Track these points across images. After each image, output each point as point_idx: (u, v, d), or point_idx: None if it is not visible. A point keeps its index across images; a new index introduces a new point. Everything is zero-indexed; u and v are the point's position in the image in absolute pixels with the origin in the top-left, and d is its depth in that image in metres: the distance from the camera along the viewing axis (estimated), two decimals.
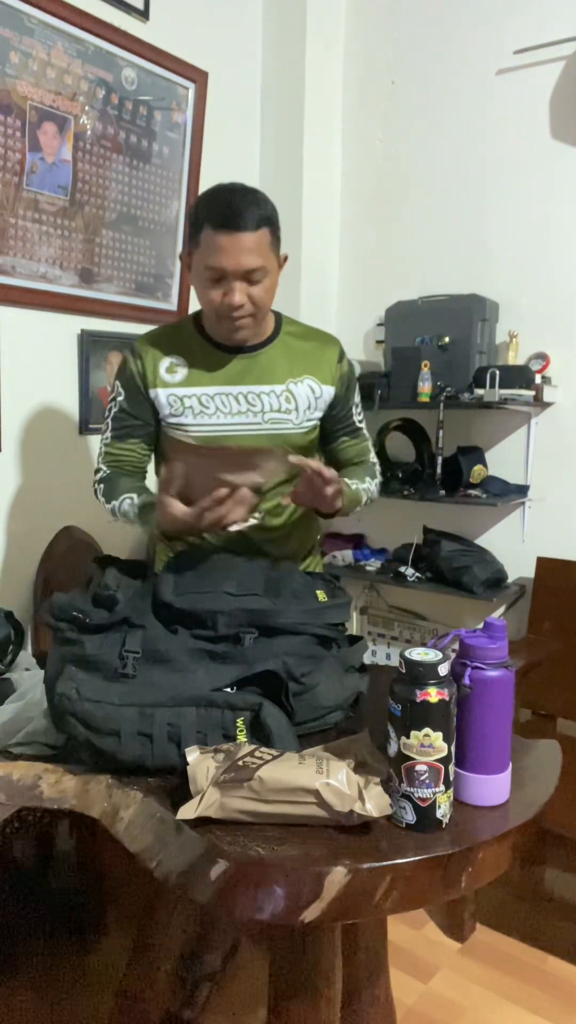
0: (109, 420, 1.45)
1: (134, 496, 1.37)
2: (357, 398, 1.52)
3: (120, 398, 1.42)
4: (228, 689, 1.05)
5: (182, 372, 1.40)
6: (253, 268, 1.26)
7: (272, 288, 1.33)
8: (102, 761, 1.02)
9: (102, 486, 1.43)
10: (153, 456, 1.50)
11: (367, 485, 1.48)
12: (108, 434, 1.45)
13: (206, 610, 1.11)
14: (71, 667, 1.05)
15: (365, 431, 1.55)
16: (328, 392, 1.44)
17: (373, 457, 1.57)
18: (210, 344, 1.40)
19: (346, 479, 1.39)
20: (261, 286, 1.29)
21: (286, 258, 1.37)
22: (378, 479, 1.54)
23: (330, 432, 1.50)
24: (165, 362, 1.40)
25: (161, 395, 1.39)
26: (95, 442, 1.79)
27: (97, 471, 1.47)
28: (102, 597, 1.13)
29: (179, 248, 2.34)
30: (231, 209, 1.24)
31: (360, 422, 1.54)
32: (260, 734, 1.00)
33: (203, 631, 1.11)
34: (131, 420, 1.43)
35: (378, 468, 1.57)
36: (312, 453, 1.49)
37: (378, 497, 1.54)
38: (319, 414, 1.46)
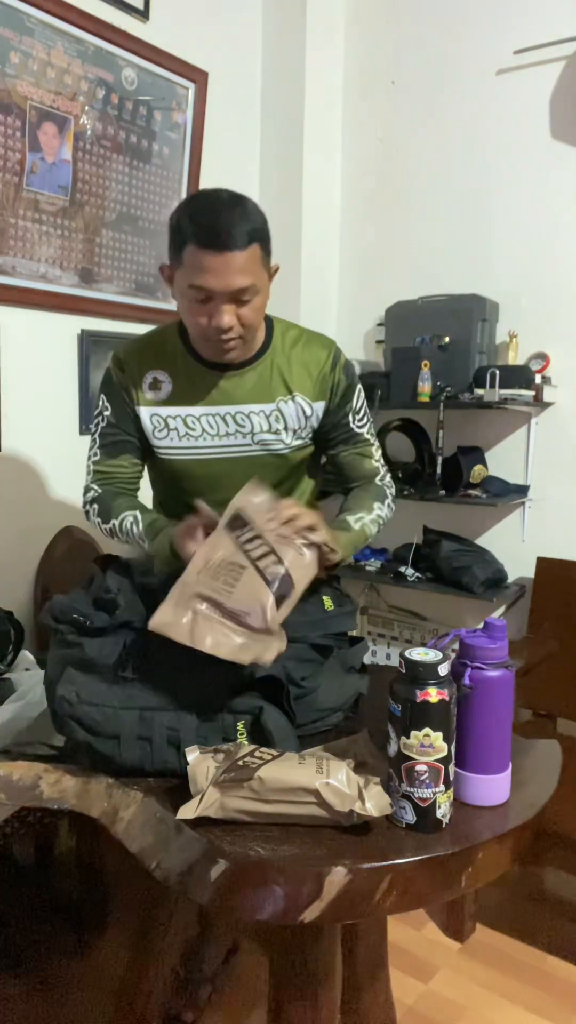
0: (96, 436, 1.36)
1: (137, 513, 1.29)
2: (358, 404, 1.39)
3: (107, 412, 1.34)
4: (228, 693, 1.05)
5: (166, 388, 1.32)
6: (244, 288, 1.15)
7: (263, 305, 1.23)
8: (101, 764, 1.02)
9: (95, 506, 1.36)
10: (147, 472, 1.43)
11: (375, 514, 1.33)
12: (96, 450, 1.37)
13: None
14: (71, 670, 1.05)
15: (367, 435, 1.41)
16: (319, 408, 1.34)
17: (380, 466, 1.42)
18: (195, 359, 1.31)
19: (346, 515, 1.30)
20: (251, 306, 1.19)
21: (276, 268, 1.28)
22: (389, 496, 1.40)
23: (326, 440, 1.40)
24: (148, 377, 1.32)
25: (144, 413, 1.32)
26: None
27: (87, 491, 1.38)
28: (103, 600, 1.13)
29: None
30: (218, 226, 1.12)
31: (360, 427, 1.40)
32: (261, 738, 1.00)
33: None
34: (120, 435, 1.35)
35: (388, 479, 1.43)
36: (303, 472, 1.41)
37: (392, 513, 1.39)
38: (309, 432, 1.36)
